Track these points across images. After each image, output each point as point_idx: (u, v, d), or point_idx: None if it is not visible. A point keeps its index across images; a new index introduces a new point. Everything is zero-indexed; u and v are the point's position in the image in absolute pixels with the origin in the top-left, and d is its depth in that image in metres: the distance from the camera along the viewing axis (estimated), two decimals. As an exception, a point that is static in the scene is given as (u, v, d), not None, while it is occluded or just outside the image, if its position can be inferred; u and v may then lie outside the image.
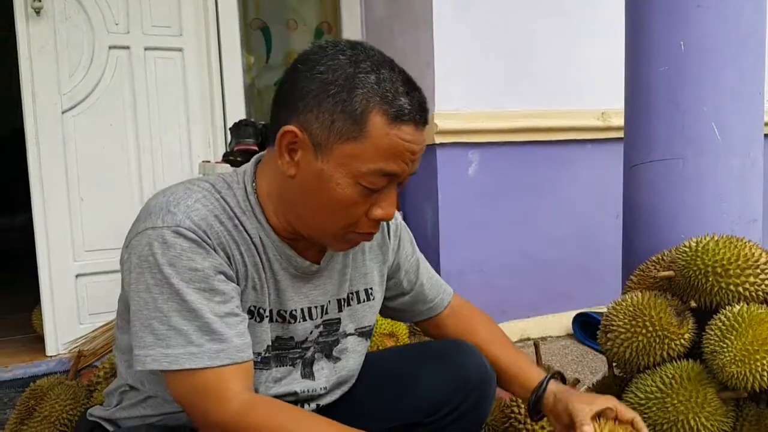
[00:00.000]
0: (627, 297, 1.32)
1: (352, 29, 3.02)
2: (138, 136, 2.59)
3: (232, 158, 2.35)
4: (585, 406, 1.03)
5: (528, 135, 2.67)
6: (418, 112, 0.91)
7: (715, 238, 1.26)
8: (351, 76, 0.88)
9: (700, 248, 1.25)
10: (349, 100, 0.88)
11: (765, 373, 1.13)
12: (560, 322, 2.80)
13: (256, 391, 0.99)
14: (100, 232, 2.50)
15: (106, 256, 2.48)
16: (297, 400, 1.05)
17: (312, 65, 0.90)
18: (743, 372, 1.13)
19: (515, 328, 2.74)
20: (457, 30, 2.56)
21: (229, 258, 0.94)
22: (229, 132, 2.51)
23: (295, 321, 1.03)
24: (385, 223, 1.17)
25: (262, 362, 1.00)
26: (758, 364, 1.13)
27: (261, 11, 2.93)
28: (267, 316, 1.00)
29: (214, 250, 0.91)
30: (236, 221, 0.96)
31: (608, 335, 1.32)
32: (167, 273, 0.87)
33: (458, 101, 2.56)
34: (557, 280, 2.81)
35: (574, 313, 2.76)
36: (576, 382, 1.44)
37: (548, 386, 1.12)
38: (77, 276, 2.47)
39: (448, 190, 2.57)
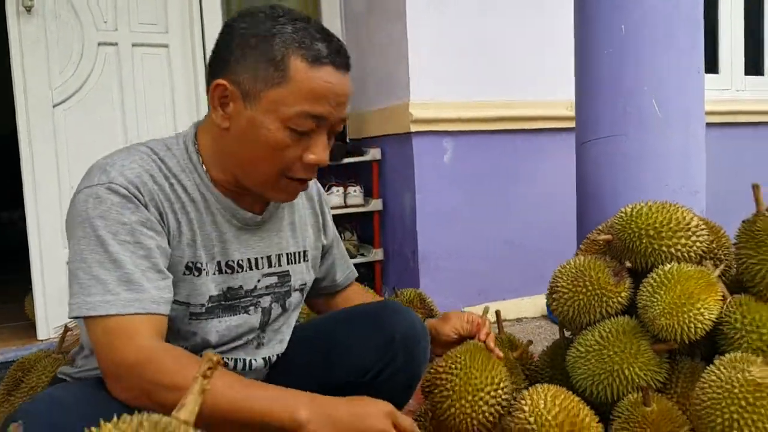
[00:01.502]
0: (570, 261, 1.43)
1: (331, 23, 3.13)
2: (126, 130, 2.69)
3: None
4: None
5: (501, 124, 2.77)
6: (337, 55, 0.99)
7: (649, 204, 1.37)
8: (270, 27, 0.97)
9: (634, 213, 1.36)
10: (269, 48, 0.96)
11: (692, 325, 1.23)
12: (535, 304, 2.90)
13: (210, 340, 1.08)
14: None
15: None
16: (247, 343, 1.14)
17: (236, 24, 1.01)
18: (672, 324, 1.23)
19: (491, 310, 2.83)
20: (430, 23, 2.67)
21: (161, 215, 1.00)
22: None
23: (242, 270, 1.11)
24: (316, 192, 1.28)
25: (206, 312, 1.08)
26: (685, 316, 1.23)
27: (244, 7, 3.03)
28: (205, 270, 1.06)
29: (145, 207, 0.98)
30: (173, 180, 1.03)
31: (553, 296, 1.42)
32: (96, 225, 0.94)
33: (433, 91, 2.66)
34: (532, 264, 2.91)
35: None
36: (529, 343, 1.54)
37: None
38: (68, 263, 2.57)
39: (424, 177, 2.67)
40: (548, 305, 1.45)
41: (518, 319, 2.89)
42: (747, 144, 3.82)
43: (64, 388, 0.93)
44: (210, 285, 1.07)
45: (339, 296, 1.40)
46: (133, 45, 2.69)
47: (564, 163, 2.94)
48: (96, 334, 0.93)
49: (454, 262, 2.77)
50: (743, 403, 1.04)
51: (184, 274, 1.05)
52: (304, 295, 1.27)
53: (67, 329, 1.82)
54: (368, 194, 2.94)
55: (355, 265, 1.39)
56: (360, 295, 1.42)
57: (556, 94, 2.86)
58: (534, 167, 2.87)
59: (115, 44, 2.65)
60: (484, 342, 1.28)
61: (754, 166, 3.77)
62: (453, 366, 1.23)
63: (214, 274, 1.08)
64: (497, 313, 1.71)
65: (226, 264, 1.09)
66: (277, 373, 1.21)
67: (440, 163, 2.70)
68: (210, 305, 1.08)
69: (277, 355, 1.21)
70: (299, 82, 0.97)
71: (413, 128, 2.60)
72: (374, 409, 0.94)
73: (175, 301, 1.02)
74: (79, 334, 2.19)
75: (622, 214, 1.38)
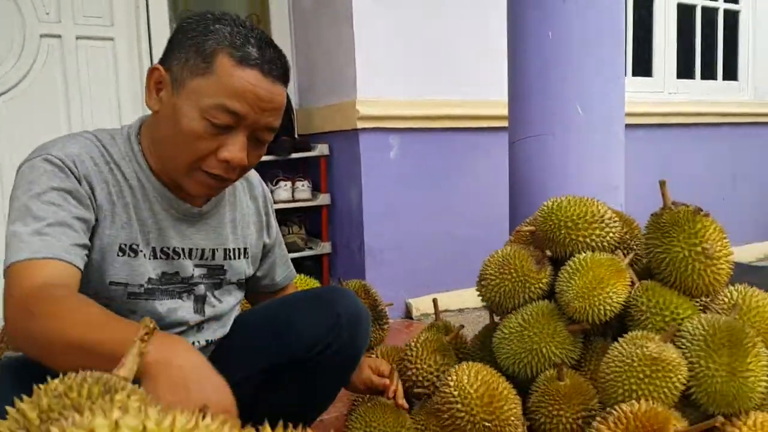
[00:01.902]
0: (498, 250, 1.54)
1: (279, 21, 3.18)
2: (70, 122, 2.69)
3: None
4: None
5: (444, 122, 2.89)
6: (268, 63, 1.04)
7: (568, 198, 1.48)
8: (210, 25, 1.04)
9: (554, 206, 1.47)
10: (202, 42, 1.03)
11: (601, 307, 1.35)
12: (476, 295, 3.02)
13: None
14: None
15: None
16: (188, 329, 1.21)
17: (185, 21, 1.08)
18: (584, 306, 1.35)
19: (429, 301, 2.95)
20: (377, 22, 2.75)
21: (93, 192, 1.06)
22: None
23: (179, 258, 1.17)
24: (261, 192, 1.34)
25: (145, 293, 1.13)
26: (596, 299, 1.35)
27: (190, 3, 3.06)
28: (143, 252, 1.12)
29: (77, 180, 1.03)
30: (113, 166, 1.09)
31: (482, 283, 1.53)
32: (25, 189, 1.00)
33: (379, 89, 2.75)
34: (474, 257, 3.01)
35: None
36: (461, 327, 1.65)
37: None
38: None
39: (370, 173, 2.76)
40: (478, 291, 1.55)
41: (460, 310, 3.01)
42: (678, 144, 4.04)
43: (6, 369, 0.98)
44: (148, 267, 1.13)
45: (277, 295, 1.44)
46: (78, 38, 2.69)
47: (502, 160, 3.07)
48: (6, 279, 0.95)
49: (400, 255, 2.87)
50: (641, 375, 1.16)
51: (119, 255, 1.09)
52: (244, 289, 1.33)
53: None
54: (316, 189, 3.01)
55: (303, 258, 1.48)
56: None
57: (495, 94, 2.99)
58: (475, 164, 3.00)
59: (59, 36, 2.65)
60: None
61: (684, 165, 4.00)
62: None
63: (151, 258, 1.13)
64: (434, 301, 1.81)
65: (161, 250, 1.14)
66: (223, 353, 1.27)
67: (386, 159, 2.80)
68: (149, 287, 1.13)
69: (219, 338, 1.27)
70: (221, 77, 1.02)
71: (360, 125, 2.68)
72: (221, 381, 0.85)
73: (112, 282, 1.08)
74: None
75: (544, 208, 1.50)
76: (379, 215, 2.80)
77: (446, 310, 2.98)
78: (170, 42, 1.09)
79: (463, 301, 3.04)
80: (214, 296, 1.24)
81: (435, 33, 2.89)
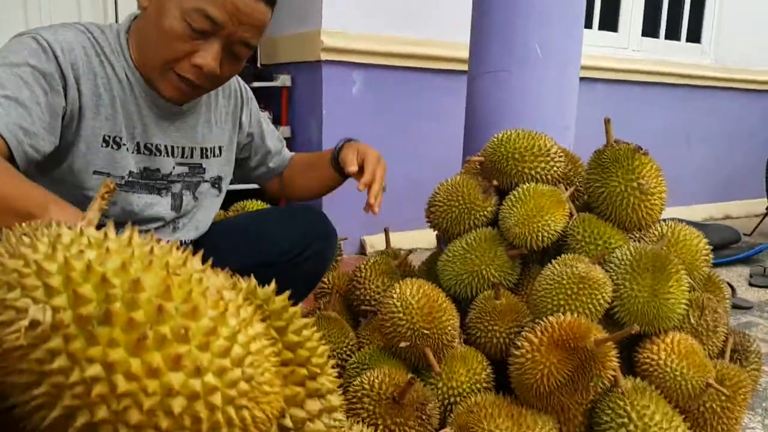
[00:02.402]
0: (448, 179, 1.59)
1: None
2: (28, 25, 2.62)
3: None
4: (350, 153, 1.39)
5: (411, 61, 2.89)
6: None
7: (518, 131, 1.54)
8: None
9: (504, 138, 1.53)
10: None
11: (539, 234, 1.42)
12: (430, 235, 3.10)
13: (129, 212, 1.19)
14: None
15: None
16: (165, 225, 1.27)
17: None
18: (523, 232, 1.42)
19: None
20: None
21: (77, 80, 1.08)
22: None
23: (160, 154, 1.22)
24: (237, 92, 1.39)
25: (126, 185, 1.19)
26: (535, 226, 1.42)
27: None
28: (125, 146, 1.17)
29: (59, 67, 1.04)
30: (102, 58, 1.12)
31: (431, 209, 1.58)
32: (4, 55, 1.01)
33: (345, 21, 2.73)
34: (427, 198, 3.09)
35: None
36: (408, 252, 1.71)
37: (343, 146, 1.47)
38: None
39: (332, 107, 2.77)
40: (426, 217, 1.61)
41: (413, 250, 3.07)
42: (637, 101, 4.13)
43: None
44: (130, 161, 1.18)
45: (285, 173, 1.60)
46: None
47: (456, 104, 3.11)
48: None
49: (357, 193, 2.90)
50: (569, 291, 1.24)
51: (102, 146, 1.14)
52: (221, 190, 1.40)
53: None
54: (276, 121, 3.01)
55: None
56: (303, 160, 1.60)
57: (460, 36, 3.00)
58: (438, 106, 3.03)
59: (19, -56, 2.56)
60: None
61: (641, 121, 4.10)
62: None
63: (134, 152, 1.18)
64: (386, 230, 1.88)
65: (145, 146, 1.19)
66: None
67: (348, 95, 2.80)
68: (129, 179, 1.19)
69: (192, 240, 1.33)
70: None
71: (323, 56, 2.68)
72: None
73: (96, 172, 1.13)
74: None
75: (494, 139, 1.55)
76: (340, 151, 2.82)
77: (399, 249, 3.05)
78: None
79: (416, 241, 3.12)
80: (192, 195, 1.31)
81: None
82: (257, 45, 1.18)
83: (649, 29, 4.23)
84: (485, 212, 1.53)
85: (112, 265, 0.41)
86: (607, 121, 1.50)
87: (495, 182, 1.54)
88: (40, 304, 0.39)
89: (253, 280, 0.59)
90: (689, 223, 3.47)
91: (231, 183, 1.44)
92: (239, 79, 1.42)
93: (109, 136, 1.15)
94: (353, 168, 1.33)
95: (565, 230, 1.47)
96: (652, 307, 1.26)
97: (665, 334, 1.29)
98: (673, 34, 4.36)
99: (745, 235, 3.81)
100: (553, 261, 1.33)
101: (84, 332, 0.38)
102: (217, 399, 0.40)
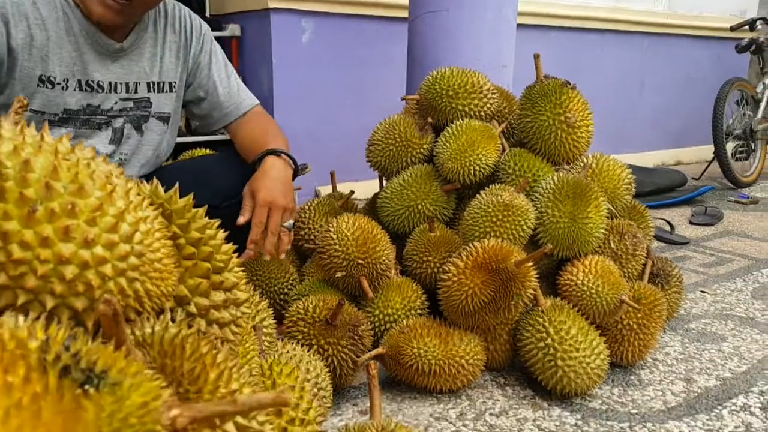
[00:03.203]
0: (386, 118, 1.64)
1: None
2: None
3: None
4: (248, 189, 1.30)
5: (360, 8, 2.89)
6: None
7: (452, 69, 1.58)
8: None
9: (438, 76, 1.57)
10: None
11: (472, 168, 1.48)
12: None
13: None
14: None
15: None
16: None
17: None
18: (456, 167, 1.48)
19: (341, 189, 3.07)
20: None
21: (5, 25, 1.13)
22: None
23: (103, 91, 1.26)
24: (189, 29, 1.40)
25: (60, 122, 1.24)
26: (467, 160, 1.48)
27: None
28: (61, 85, 1.21)
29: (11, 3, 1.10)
30: (28, 6, 1.15)
31: (370, 148, 1.63)
32: None
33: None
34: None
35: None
36: (351, 193, 1.76)
37: (263, 159, 1.36)
38: None
39: (281, 56, 2.77)
40: (366, 157, 1.66)
41: (366, 199, 3.13)
42: (591, 49, 4.19)
43: None
44: (68, 99, 1.22)
45: (240, 124, 1.50)
46: None
47: (397, 52, 3.11)
48: None
49: (310, 142, 2.93)
50: (494, 219, 1.31)
51: (38, 86, 1.18)
52: (170, 125, 1.42)
53: None
54: (230, 72, 3.00)
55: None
56: (246, 138, 1.49)
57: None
58: (389, 54, 3.04)
59: None
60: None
61: (595, 69, 4.17)
62: None
63: (74, 90, 1.21)
64: (332, 174, 1.92)
65: (86, 83, 1.23)
66: None
67: (298, 43, 2.80)
68: (64, 116, 1.23)
69: (137, 177, 1.36)
70: None
71: (272, 4, 2.66)
72: None
73: (31, 110, 1.17)
74: None
75: (429, 78, 1.59)
76: (290, 101, 2.83)
77: (356, 198, 3.10)
78: None
79: (368, 191, 3.16)
80: (135, 129, 1.34)
81: None
82: None
83: (603, -24, 4.27)
84: (422, 149, 1.58)
85: (5, 148, 0.45)
86: (536, 57, 1.55)
87: (430, 119, 1.58)
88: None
89: (156, 181, 0.63)
90: (639, 168, 3.57)
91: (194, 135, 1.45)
92: (200, 20, 1.43)
93: (44, 76, 1.19)
94: (241, 220, 1.28)
95: (497, 165, 1.53)
96: (572, 232, 1.34)
97: (585, 257, 1.37)
98: (626, -19, 4.40)
99: (693, 179, 3.95)
100: (481, 192, 1.40)
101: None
102: (107, 269, 0.45)
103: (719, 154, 3.72)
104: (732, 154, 3.93)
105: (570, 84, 1.51)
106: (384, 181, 1.75)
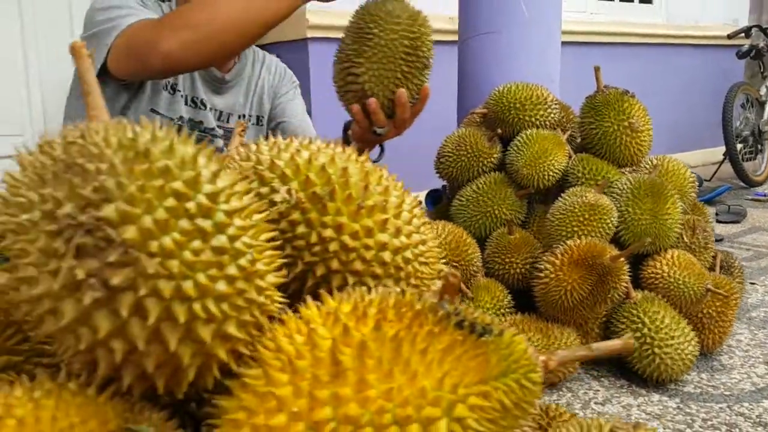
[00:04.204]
0: (453, 132, 1.73)
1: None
2: (23, 28, 2.65)
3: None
4: None
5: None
6: None
7: (516, 84, 1.68)
8: None
9: (504, 90, 1.67)
10: None
11: (546, 173, 1.57)
12: (420, 199, 3.24)
13: None
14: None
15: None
16: None
17: None
18: (531, 173, 1.57)
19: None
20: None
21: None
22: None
23: (205, 109, 1.34)
24: (282, 75, 1.51)
25: (177, 129, 1.33)
26: (541, 167, 1.57)
27: None
28: (179, 92, 1.33)
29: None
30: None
31: (441, 160, 1.72)
32: (107, 6, 1.20)
33: None
34: (417, 165, 3.23)
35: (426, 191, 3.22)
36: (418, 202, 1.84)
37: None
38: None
39: (320, 85, 2.86)
40: (436, 168, 1.75)
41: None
42: (597, 61, 4.33)
43: None
44: (182, 108, 1.30)
45: None
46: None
47: (445, 73, 3.24)
48: (128, 35, 1.17)
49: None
50: (581, 218, 1.39)
51: (163, 89, 1.31)
52: None
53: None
54: (264, 100, 3.10)
55: None
56: None
57: (438, 8, 3.13)
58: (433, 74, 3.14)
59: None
60: None
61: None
62: None
63: (185, 103, 1.30)
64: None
65: (192, 99, 1.31)
66: None
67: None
68: (180, 123, 1.32)
69: None
70: None
71: (309, 34, 2.77)
72: None
73: (152, 110, 1.29)
74: None
75: (495, 92, 1.69)
76: (330, 127, 2.91)
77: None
78: None
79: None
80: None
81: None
82: None
83: (605, -8, 4.44)
84: (492, 159, 1.67)
85: (323, 159, 0.52)
86: (596, 69, 1.65)
87: (499, 131, 1.68)
88: (282, 187, 0.51)
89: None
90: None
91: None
92: (292, 73, 1.55)
93: (169, 83, 1.29)
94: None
95: (566, 170, 1.62)
96: (654, 228, 1.42)
97: (665, 251, 1.46)
98: (626, -5, 4.58)
99: (705, 180, 4.07)
100: (563, 194, 1.48)
101: (316, 206, 0.50)
102: (408, 254, 0.52)
103: (731, 156, 3.85)
104: (740, 155, 4.07)
105: (629, 92, 1.61)
106: (447, 193, 1.83)
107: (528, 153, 1.58)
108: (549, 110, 1.67)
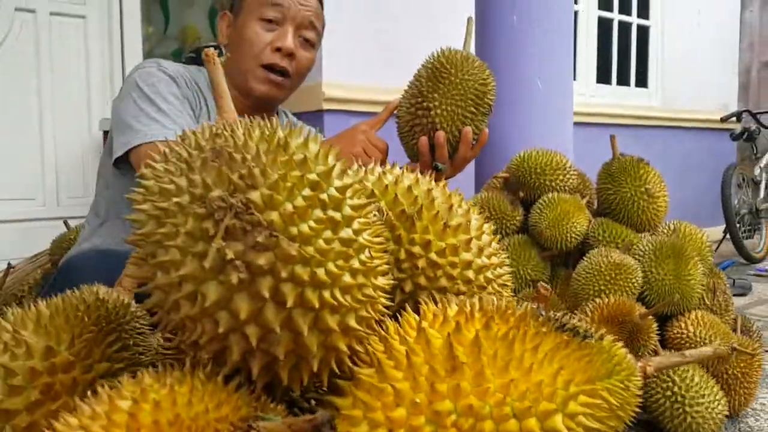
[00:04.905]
0: (476, 195, 1.78)
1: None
2: (40, 95, 2.73)
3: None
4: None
5: (401, 108, 3.13)
6: None
7: (536, 150, 1.76)
8: None
9: (526, 156, 1.74)
10: None
11: (568, 235, 1.62)
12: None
13: None
14: (2, 183, 2.62)
15: (7, 206, 2.61)
16: None
17: None
18: (554, 234, 1.61)
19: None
20: (344, 11, 2.98)
21: (191, 106, 1.30)
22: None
23: None
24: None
25: None
26: (564, 228, 1.62)
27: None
28: None
29: (188, 87, 1.28)
30: (198, 94, 1.33)
31: (464, 223, 1.77)
32: (147, 91, 1.22)
33: (344, 74, 2.96)
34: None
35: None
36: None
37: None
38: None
39: (333, 152, 2.95)
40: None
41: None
42: (597, 142, 4.48)
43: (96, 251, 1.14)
44: None
45: None
46: (51, 13, 2.75)
47: None
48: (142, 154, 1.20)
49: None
50: (607, 277, 1.43)
51: None
52: None
53: (9, 268, 1.90)
54: (279, 168, 3.17)
55: None
56: None
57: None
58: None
59: (33, 11, 2.70)
60: None
61: (602, 160, 4.44)
62: None
63: None
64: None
65: None
66: None
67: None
68: None
69: None
70: None
71: (325, 106, 2.88)
72: (352, 130, 1.34)
73: None
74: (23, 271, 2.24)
75: (517, 158, 1.76)
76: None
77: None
78: None
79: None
80: None
81: (394, 23, 3.15)
82: (320, 31, 1.46)
83: (603, 77, 4.64)
84: (515, 221, 1.72)
85: (409, 180, 0.56)
86: (612, 138, 1.73)
87: (521, 194, 1.73)
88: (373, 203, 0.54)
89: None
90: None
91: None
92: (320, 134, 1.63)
93: None
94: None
95: (587, 233, 1.67)
96: (677, 288, 1.45)
97: (688, 312, 1.48)
98: (623, 80, 4.78)
99: (707, 258, 4.12)
100: (587, 254, 1.52)
101: (404, 224, 0.54)
102: (489, 274, 0.56)
103: (732, 233, 3.93)
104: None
105: (644, 160, 1.69)
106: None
107: (551, 215, 1.63)
108: (568, 175, 1.74)
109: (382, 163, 1.29)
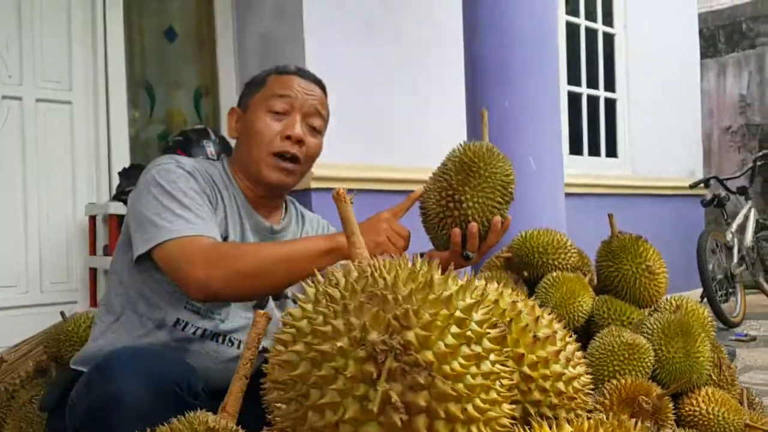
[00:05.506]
0: (480, 275, 1.80)
1: (228, 92, 3.40)
2: (25, 181, 2.71)
3: (125, 197, 2.59)
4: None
5: (402, 185, 3.18)
6: (301, 70, 1.43)
7: (537, 230, 1.80)
8: (262, 72, 1.44)
9: (528, 235, 1.78)
10: (258, 77, 1.43)
11: (576, 313, 1.63)
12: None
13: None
14: (-14, 271, 2.55)
15: (-8, 294, 2.53)
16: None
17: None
18: (562, 313, 1.63)
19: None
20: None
21: (209, 200, 1.31)
22: (118, 176, 2.74)
23: None
24: (324, 230, 1.58)
25: None
26: (572, 307, 1.63)
27: (147, 72, 3.21)
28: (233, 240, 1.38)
29: (205, 181, 1.30)
30: (213, 186, 1.35)
31: (469, 303, 1.77)
32: (168, 188, 1.23)
33: (331, 154, 2.99)
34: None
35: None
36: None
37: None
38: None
39: (322, 230, 2.97)
40: (464, 312, 1.79)
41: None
42: (571, 210, 4.59)
43: (125, 350, 1.11)
44: None
45: None
46: (38, 100, 2.76)
47: None
48: (170, 251, 1.21)
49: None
50: (621, 358, 1.44)
51: (224, 238, 1.34)
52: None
53: (2, 359, 1.82)
54: (267, 247, 3.17)
55: None
56: None
57: (428, 161, 3.33)
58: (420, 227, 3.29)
59: (20, 99, 2.71)
60: None
61: (577, 227, 4.53)
62: None
63: None
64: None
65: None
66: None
67: (337, 219, 3.01)
68: None
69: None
70: (272, 83, 1.41)
71: (313, 185, 2.91)
72: (375, 219, 1.35)
73: None
74: (13, 362, 2.14)
75: (518, 237, 1.79)
76: (331, 270, 2.99)
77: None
78: (241, 93, 1.47)
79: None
80: (279, 309, 1.44)
81: (379, 107, 3.24)
82: (326, 119, 1.51)
83: (575, 148, 4.81)
84: (520, 302, 1.73)
85: (493, 294, 0.58)
86: (610, 216, 1.78)
87: (525, 273, 1.76)
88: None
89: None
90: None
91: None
92: (320, 219, 1.64)
93: (224, 234, 1.35)
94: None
95: (591, 311, 1.69)
96: (687, 366, 1.47)
97: (698, 389, 1.49)
98: (594, 151, 4.96)
99: (687, 323, 4.18)
100: (598, 334, 1.54)
101: (496, 339, 0.54)
102: (577, 383, 0.56)
103: (710, 299, 4.01)
104: (716, 297, 4.24)
105: (642, 237, 1.74)
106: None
107: (557, 294, 1.65)
108: (568, 254, 1.77)
109: (404, 249, 1.31)
